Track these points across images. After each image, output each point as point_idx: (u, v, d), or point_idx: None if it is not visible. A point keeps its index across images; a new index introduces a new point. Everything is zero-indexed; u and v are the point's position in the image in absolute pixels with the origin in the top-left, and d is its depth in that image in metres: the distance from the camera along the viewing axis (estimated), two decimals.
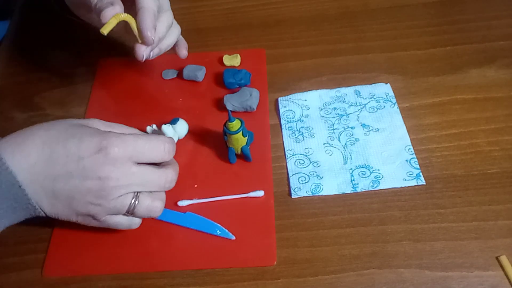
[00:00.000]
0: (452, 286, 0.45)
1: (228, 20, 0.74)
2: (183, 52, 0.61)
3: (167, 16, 0.54)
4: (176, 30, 0.57)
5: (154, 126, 0.57)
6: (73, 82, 0.67)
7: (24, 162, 0.40)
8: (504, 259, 0.45)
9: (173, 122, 0.57)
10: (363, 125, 0.58)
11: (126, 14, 0.49)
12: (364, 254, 0.47)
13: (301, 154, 0.56)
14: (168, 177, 0.46)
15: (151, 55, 0.53)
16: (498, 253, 0.46)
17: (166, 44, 0.56)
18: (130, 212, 0.45)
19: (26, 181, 0.40)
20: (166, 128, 0.55)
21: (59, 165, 0.41)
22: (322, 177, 0.53)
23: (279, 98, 0.62)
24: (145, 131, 0.56)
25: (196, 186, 0.54)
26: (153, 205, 0.45)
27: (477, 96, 0.59)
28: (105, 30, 0.48)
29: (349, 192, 0.52)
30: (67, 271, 0.49)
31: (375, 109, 0.59)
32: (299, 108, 0.61)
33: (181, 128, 0.57)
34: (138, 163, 0.44)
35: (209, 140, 0.58)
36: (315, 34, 0.70)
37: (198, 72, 0.64)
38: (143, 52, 0.52)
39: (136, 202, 0.44)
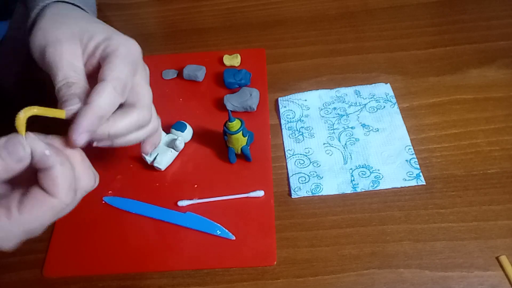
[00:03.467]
0: (452, 286, 0.45)
1: (228, 20, 0.74)
2: (147, 148, 0.48)
3: (137, 115, 0.41)
4: (142, 131, 0.44)
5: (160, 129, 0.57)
6: None
7: None
8: (504, 259, 0.45)
9: (179, 127, 0.57)
10: (363, 125, 0.58)
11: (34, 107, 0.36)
12: (364, 254, 0.47)
13: (301, 154, 0.56)
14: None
15: (95, 144, 0.41)
16: (498, 253, 0.46)
17: (123, 141, 0.43)
18: None
19: None
20: (175, 135, 0.56)
21: None
22: (322, 177, 0.53)
23: (279, 98, 0.62)
24: None
25: (196, 186, 0.54)
26: None
27: (477, 96, 0.59)
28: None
29: (349, 192, 0.52)
30: (67, 271, 0.49)
31: (375, 109, 0.59)
32: (299, 108, 0.61)
33: (187, 134, 0.57)
34: None
35: (209, 140, 0.58)
36: (315, 34, 0.70)
37: (198, 72, 0.64)
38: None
39: None
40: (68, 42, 0.41)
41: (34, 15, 0.45)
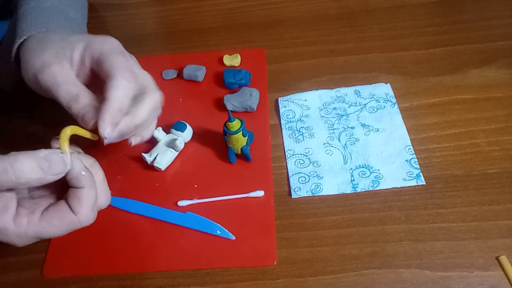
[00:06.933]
0: (452, 286, 0.45)
1: (228, 20, 0.74)
2: (137, 139, 0.49)
3: (151, 99, 0.45)
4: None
5: (160, 130, 0.57)
6: None
7: None
8: (504, 259, 0.45)
9: (179, 127, 0.57)
10: (363, 125, 0.58)
11: (74, 126, 0.39)
12: (364, 254, 0.47)
13: (301, 154, 0.56)
14: None
15: (131, 142, 0.46)
16: (498, 253, 0.46)
17: (150, 131, 0.49)
18: None
19: None
20: (175, 135, 0.56)
21: None
22: (322, 177, 0.53)
23: (279, 98, 0.62)
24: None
25: (196, 186, 0.54)
26: None
27: (477, 96, 0.59)
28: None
29: (349, 192, 0.52)
30: (67, 271, 0.49)
31: (375, 109, 0.59)
32: (299, 108, 0.61)
33: (187, 134, 0.57)
34: None
35: (209, 140, 0.58)
36: (315, 34, 0.70)
37: (198, 72, 0.64)
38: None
39: None
40: (55, 62, 0.43)
41: (15, 50, 0.48)
